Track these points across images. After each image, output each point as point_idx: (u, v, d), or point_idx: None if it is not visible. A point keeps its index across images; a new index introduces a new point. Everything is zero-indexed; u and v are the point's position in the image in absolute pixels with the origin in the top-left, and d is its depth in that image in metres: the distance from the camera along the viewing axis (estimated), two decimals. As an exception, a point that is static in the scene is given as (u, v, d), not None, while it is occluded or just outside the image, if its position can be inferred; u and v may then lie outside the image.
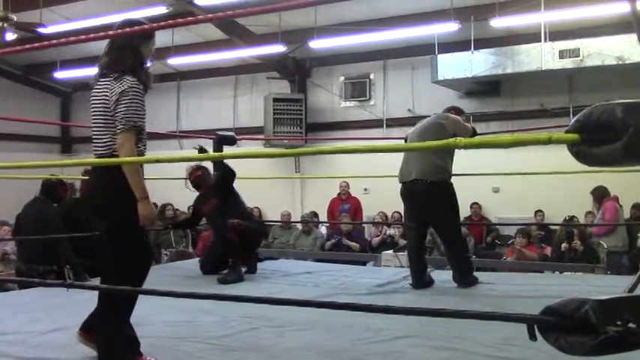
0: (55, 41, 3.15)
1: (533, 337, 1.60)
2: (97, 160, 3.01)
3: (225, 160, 5.66)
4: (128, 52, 2.99)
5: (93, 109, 3.02)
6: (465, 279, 4.87)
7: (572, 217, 8.18)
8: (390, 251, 6.94)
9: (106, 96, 2.94)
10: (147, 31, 3.04)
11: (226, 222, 5.42)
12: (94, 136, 3.01)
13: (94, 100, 3.02)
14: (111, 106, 2.91)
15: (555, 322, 1.53)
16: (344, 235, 8.98)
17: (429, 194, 4.82)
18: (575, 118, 1.54)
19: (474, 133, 5.07)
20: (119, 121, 2.88)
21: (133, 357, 2.94)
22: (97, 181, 3.05)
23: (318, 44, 9.53)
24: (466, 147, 1.58)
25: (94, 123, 3.01)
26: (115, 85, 2.92)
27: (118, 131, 2.89)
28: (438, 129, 4.86)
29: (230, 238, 5.39)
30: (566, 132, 1.53)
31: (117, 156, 2.90)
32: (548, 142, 1.50)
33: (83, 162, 3.19)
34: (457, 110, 5.29)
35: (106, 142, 2.95)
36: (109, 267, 3.03)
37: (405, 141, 5.31)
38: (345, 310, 2.61)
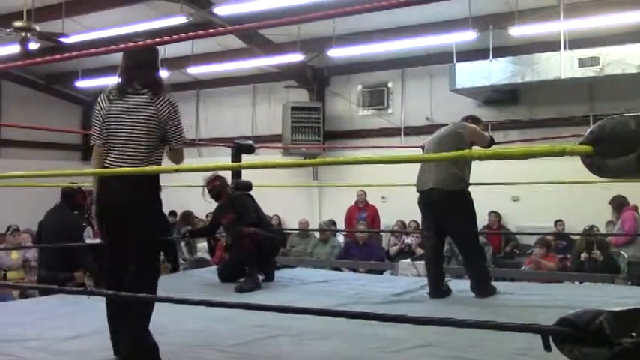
0: (76, 52, 3.20)
1: (547, 347, 1.60)
2: (118, 169, 3.13)
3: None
4: (154, 70, 3.27)
5: (127, 122, 3.16)
6: (482, 288, 4.84)
7: (591, 227, 8.08)
8: (408, 260, 6.91)
9: (149, 112, 3.14)
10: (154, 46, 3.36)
11: (242, 231, 5.46)
12: (126, 148, 3.15)
13: (130, 113, 3.16)
14: (161, 123, 3.15)
15: (570, 333, 1.52)
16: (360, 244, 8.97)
17: (445, 203, 4.80)
18: (589, 130, 1.54)
19: (492, 143, 5.05)
20: (176, 137, 3.20)
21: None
22: (133, 190, 3.12)
23: (337, 53, 9.58)
24: (480, 158, 1.59)
25: (129, 135, 3.15)
26: (162, 104, 3.16)
27: (176, 146, 3.23)
28: (456, 138, 4.85)
29: (246, 246, 5.43)
30: (580, 144, 1.53)
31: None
32: (562, 154, 1.50)
33: (106, 172, 3.23)
34: (474, 119, 5.26)
35: (145, 154, 3.15)
36: (141, 272, 3.16)
37: (423, 150, 5.31)
38: (361, 319, 2.62)
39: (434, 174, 4.83)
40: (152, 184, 3.19)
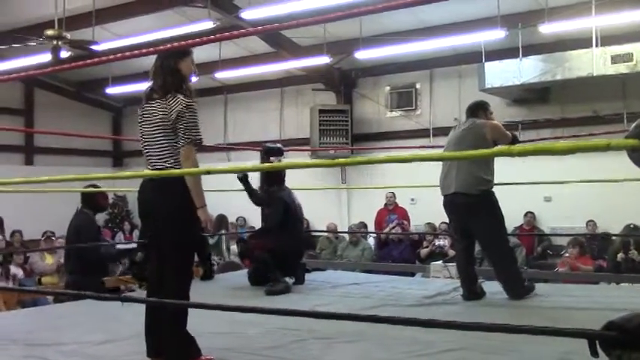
0: (105, 57, 3.26)
1: (594, 353, 1.53)
2: (152, 172, 3.22)
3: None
4: (169, 74, 3.23)
5: (149, 127, 3.24)
6: (514, 291, 4.73)
7: (635, 227, 7.83)
8: (439, 262, 6.83)
9: (162, 113, 3.16)
10: (179, 49, 3.30)
11: (250, 244, 5.59)
12: (151, 152, 3.23)
13: (149, 118, 3.24)
14: (171, 123, 3.14)
15: (618, 338, 1.45)
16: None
17: (469, 207, 4.72)
18: (634, 124, 1.48)
19: (515, 140, 4.91)
20: (182, 136, 3.12)
21: (197, 354, 3.19)
22: (161, 192, 3.20)
23: (364, 55, 9.52)
24: (520, 155, 1.53)
25: (151, 139, 3.23)
26: (172, 104, 3.14)
27: (181, 145, 3.13)
28: (477, 137, 4.71)
29: (257, 256, 5.57)
30: (626, 137, 1.47)
31: (176, 169, 3.15)
32: (607, 148, 1.44)
33: (138, 174, 3.29)
34: (484, 107, 5.08)
35: (165, 156, 3.19)
36: (171, 274, 3.22)
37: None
38: (390, 323, 2.57)
39: (455, 177, 4.75)
40: (180, 185, 3.14)
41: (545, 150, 1.52)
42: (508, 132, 4.96)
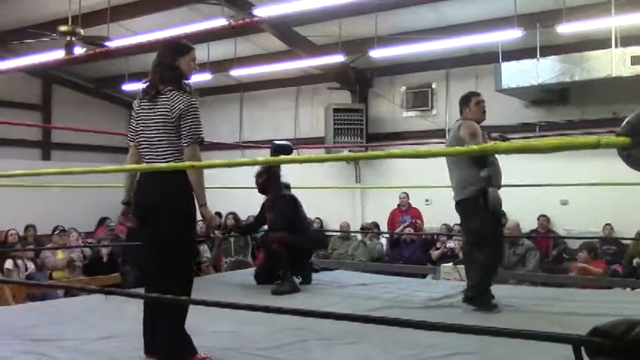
0: (105, 50, 3.24)
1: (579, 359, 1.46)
2: (152, 165, 3.16)
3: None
4: (168, 70, 3.19)
5: (147, 124, 3.18)
6: (471, 295, 4.54)
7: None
8: (450, 264, 6.74)
9: (164, 110, 3.12)
10: (181, 47, 3.31)
11: (269, 236, 5.49)
12: (151, 150, 3.18)
13: (149, 115, 3.18)
14: (174, 121, 3.09)
15: (604, 345, 1.38)
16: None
17: (465, 209, 4.68)
18: (626, 120, 1.40)
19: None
20: (185, 135, 3.09)
21: (193, 353, 3.14)
22: (157, 189, 3.15)
23: (379, 54, 9.43)
24: (506, 152, 1.46)
25: (150, 137, 3.17)
26: (174, 102, 3.10)
27: (185, 145, 3.09)
28: (457, 139, 4.61)
29: (275, 250, 5.46)
30: (617, 135, 1.39)
31: None
32: (597, 146, 1.37)
33: (141, 167, 3.25)
34: (466, 101, 4.85)
35: (166, 155, 3.13)
36: (158, 273, 3.17)
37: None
38: (390, 325, 2.51)
39: (453, 183, 4.73)
40: (182, 183, 3.08)
41: (531, 148, 1.45)
42: (481, 138, 4.58)
